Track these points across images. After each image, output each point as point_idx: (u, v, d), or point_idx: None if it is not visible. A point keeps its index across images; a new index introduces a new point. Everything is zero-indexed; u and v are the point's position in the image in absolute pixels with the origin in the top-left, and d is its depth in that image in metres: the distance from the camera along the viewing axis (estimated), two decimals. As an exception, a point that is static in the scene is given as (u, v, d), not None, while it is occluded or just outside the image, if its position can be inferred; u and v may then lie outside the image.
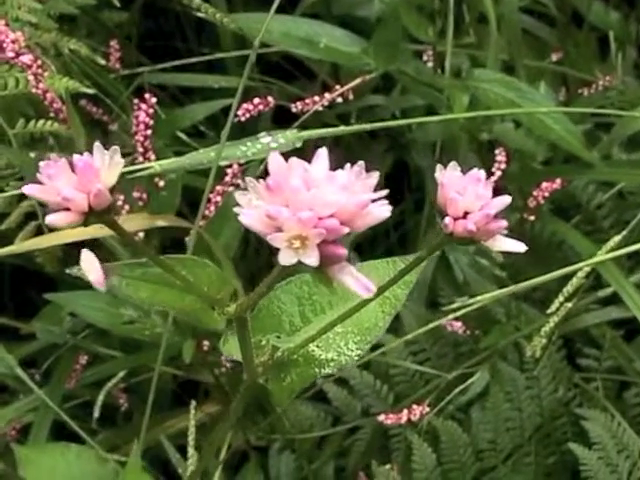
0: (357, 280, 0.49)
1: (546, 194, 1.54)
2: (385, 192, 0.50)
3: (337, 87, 1.51)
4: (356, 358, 0.68)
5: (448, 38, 1.60)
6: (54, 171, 0.54)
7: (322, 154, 0.52)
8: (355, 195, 0.49)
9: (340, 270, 0.49)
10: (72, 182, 0.54)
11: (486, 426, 1.54)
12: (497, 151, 1.53)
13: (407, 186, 1.97)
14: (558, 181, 1.54)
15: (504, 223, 0.57)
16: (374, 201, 0.50)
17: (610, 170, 1.65)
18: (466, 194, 0.57)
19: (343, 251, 0.48)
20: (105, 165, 0.56)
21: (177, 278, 0.60)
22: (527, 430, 1.56)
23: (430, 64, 1.71)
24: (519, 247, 0.59)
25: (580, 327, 1.63)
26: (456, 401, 1.53)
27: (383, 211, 0.50)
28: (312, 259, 0.47)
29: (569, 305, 1.38)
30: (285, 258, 0.48)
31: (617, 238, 1.32)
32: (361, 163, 0.51)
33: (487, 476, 1.52)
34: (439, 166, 0.58)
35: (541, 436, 1.57)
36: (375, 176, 0.51)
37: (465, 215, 0.57)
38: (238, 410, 0.72)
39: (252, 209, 0.50)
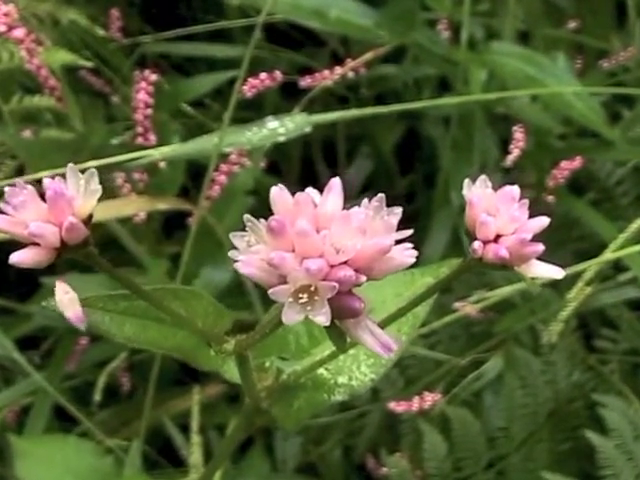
0: (376, 337, 0.42)
1: (565, 173, 1.48)
2: (410, 232, 0.42)
3: (348, 60, 1.44)
4: (369, 383, 0.62)
5: (465, 8, 1.53)
6: (21, 200, 0.45)
7: (335, 186, 0.44)
8: (374, 237, 0.42)
9: (356, 325, 0.42)
10: (42, 213, 0.46)
11: (499, 413, 1.50)
12: (515, 128, 1.47)
13: (418, 158, 1.91)
14: (578, 159, 1.48)
15: (540, 247, 0.50)
16: (397, 243, 0.43)
17: (631, 148, 1.58)
18: (499, 216, 0.50)
19: (359, 304, 0.41)
20: (80, 192, 0.47)
21: (167, 313, 0.53)
22: (541, 416, 1.52)
23: (445, 34, 1.64)
24: (556, 273, 0.52)
25: (596, 307, 1.58)
26: (469, 387, 1.49)
27: (407, 257, 0.42)
28: (322, 317, 0.40)
29: (588, 289, 1.32)
30: (290, 315, 0.40)
31: (640, 221, 1.26)
32: (381, 197, 0.43)
33: (499, 464, 1.48)
34: (467, 181, 0.51)
35: (555, 421, 1.53)
36: (397, 213, 0.43)
37: (497, 238, 0.51)
38: (238, 435, 0.66)
39: (251, 255, 0.42)
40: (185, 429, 1.38)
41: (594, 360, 1.58)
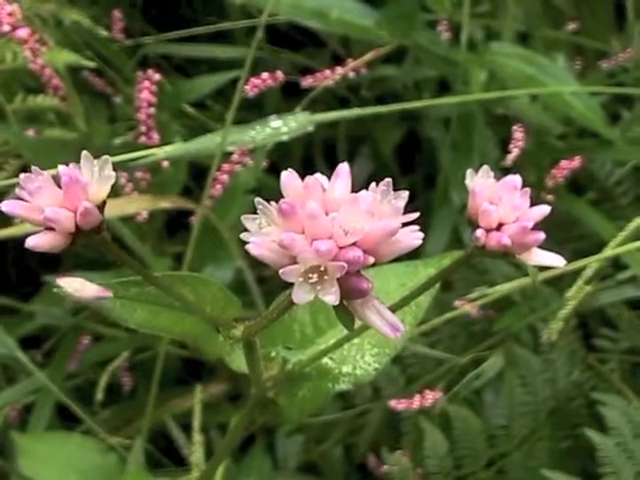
0: (383, 318, 0.43)
1: (565, 172, 1.49)
2: (416, 214, 0.43)
3: (348, 60, 1.45)
4: (373, 372, 0.62)
5: (465, 9, 1.53)
6: (36, 186, 0.46)
7: (343, 171, 0.45)
8: (382, 220, 0.42)
9: (363, 305, 0.43)
10: (57, 199, 0.47)
11: (500, 411, 1.50)
12: (514, 127, 1.47)
13: (418, 159, 1.92)
14: (577, 159, 1.49)
15: (542, 235, 0.51)
16: (404, 226, 0.44)
17: (631, 148, 1.59)
18: (501, 204, 0.51)
19: (367, 284, 0.42)
20: (94, 178, 0.48)
21: (176, 298, 0.54)
22: (541, 414, 1.52)
23: (445, 34, 1.65)
24: (558, 261, 0.53)
25: (595, 306, 1.59)
26: (469, 385, 1.49)
27: (414, 239, 0.43)
28: (331, 296, 0.41)
29: (588, 288, 1.33)
30: (300, 295, 0.41)
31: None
32: (388, 181, 0.44)
33: (500, 462, 1.48)
34: (470, 171, 0.52)
35: (555, 420, 1.53)
36: (404, 196, 0.44)
37: (499, 227, 0.51)
38: (240, 431, 0.66)
39: (262, 236, 0.43)
40: (187, 428, 1.38)
41: (594, 359, 1.58)
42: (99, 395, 1.40)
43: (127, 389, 1.55)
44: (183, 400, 1.56)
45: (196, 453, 1.28)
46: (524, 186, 0.53)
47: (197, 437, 1.29)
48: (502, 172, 1.50)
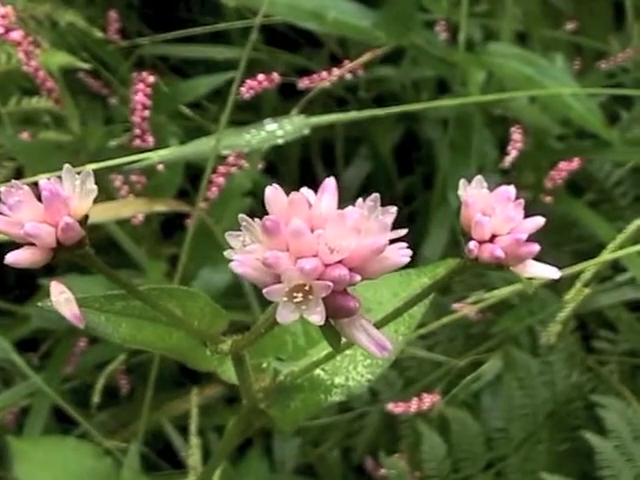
0: (371, 337, 0.42)
1: (563, 174, 1.48)
2: (404, 231, 0.42)
3: (345, 61, 1.44)
4: (366, 383, 0.62)
5: (463, 9, 1.53)
6: (17, 200, 0.45)
7: (329, 186, 0.43)
8: (369, 237, 0.41)
9: (350, 324, 0.42)
10: (38, 213, 0.46)
11: (498, 414, 1.50)
12: (513, 129, 1.47)
13: (416, 160, 1.91)
14: (576, 160, 1.48)
15: (536, 247, 0.50)
16: (391, 242, 0.43)
17: (630, 149, 1.58)
18: (494, 216, 0.50)
19: (354, 303, 0.41)
20: (76, 192, 0.47)
21: (163, 313, 0.53)
22: (540, 417, 1.51)
23: (443, 35, 1.64)
24: (552, 273, 0.52)
25: (594, 308, 1.58)
26: (467, 388, 1.48)
27: (402, 257, 0.42)
28: (316, 315, 0.40)
29: (586, 290, 1.32)
30: (284, 314, 0.40)
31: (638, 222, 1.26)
32: (375, 196, 0.43)
33: (498, 465, 1.47)
34: (463, 182, 0.51)
35: (554, 422, 1.52)
36: (392, 212, 0.43)
37: (492, 238, 0.50)
38: (236, 436, 0.65)
39: (246, 254, 0.42)
40: (184, 431, 1.37)
41: (593, 361, 1.57)
42: (95, 398, 1.39)
43: (124, 392, 1.55)
44: (180, 403, 1.55)
45: (193, 456, 1.28)
46: (522, 187, 0.53)
47: (194, 440, 1.28)
48: (501, 173, 1.50)
